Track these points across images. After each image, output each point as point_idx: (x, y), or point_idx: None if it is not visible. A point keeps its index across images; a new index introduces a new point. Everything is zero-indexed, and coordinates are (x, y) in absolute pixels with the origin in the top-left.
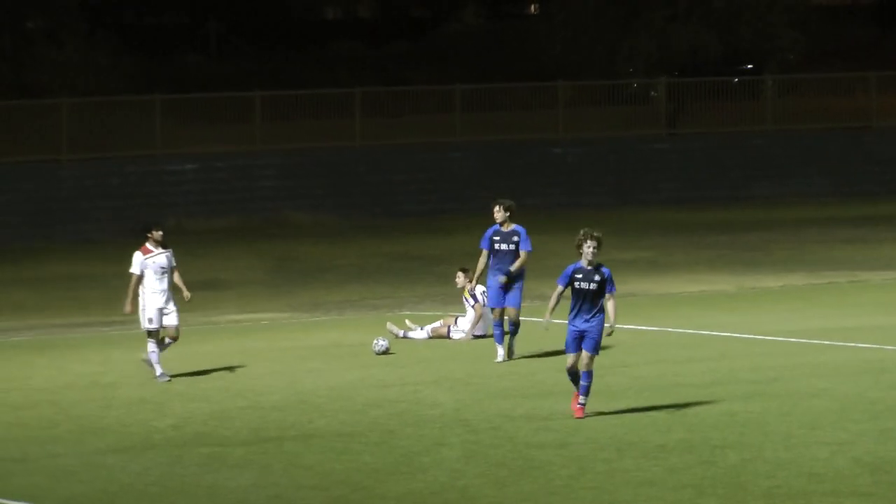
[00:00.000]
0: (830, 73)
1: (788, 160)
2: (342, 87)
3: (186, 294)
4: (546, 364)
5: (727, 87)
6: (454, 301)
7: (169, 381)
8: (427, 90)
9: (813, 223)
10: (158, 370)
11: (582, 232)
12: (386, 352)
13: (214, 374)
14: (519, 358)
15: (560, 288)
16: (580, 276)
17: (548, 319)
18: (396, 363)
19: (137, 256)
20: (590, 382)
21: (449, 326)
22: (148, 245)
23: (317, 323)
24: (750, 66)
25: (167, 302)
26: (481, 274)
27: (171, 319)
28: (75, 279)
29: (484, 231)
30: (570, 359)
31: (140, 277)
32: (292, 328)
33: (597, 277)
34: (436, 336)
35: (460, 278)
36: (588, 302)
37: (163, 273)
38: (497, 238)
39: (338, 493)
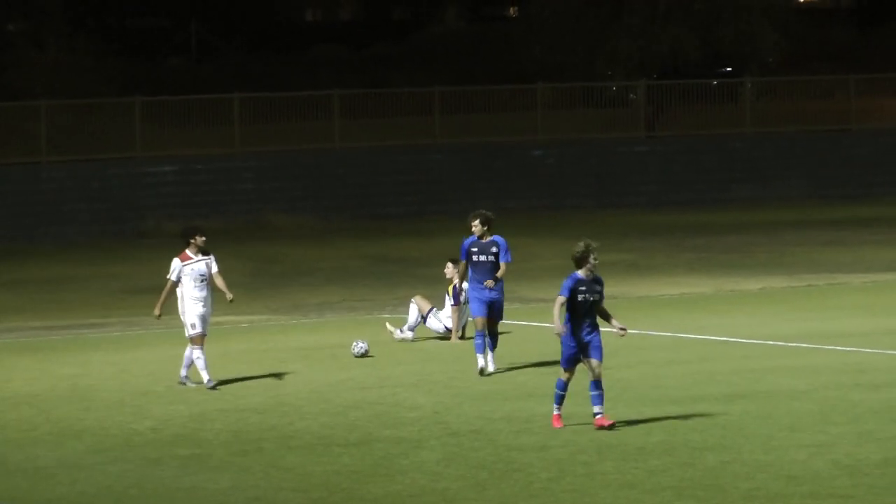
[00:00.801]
0: (809, 76)
1: (768, 162)
2: (324, 89)
3: (229, 296)
4: (526, 367)
5: (706, 90)
6: (439, 304)
7: (216, 388)
8: (406, 92)
9: (792, 226)
10: (206, 376)
11: (584, 245)
12: (365, 354)
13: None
14: (504, 370)
15: (563, 299)
16: (584, 287)
17: (562, 327)
18: (376, 365)
19: (175, 263)
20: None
21: (430, 310)
22: (188, 252)
23: (296, 325)
24: (729, 69)
25: (206, 309)
26: (463, 279)
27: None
28: (55, 281)
29: (462, 239)
30: (567, 374)
31: (175, 284)
32: (272, 330)
33: (598, 288)
34: (418, 312)
35: (449, 269)
36: (590, 314)
37: (202, 280)
38: (475, 249)
39: (317, 495)
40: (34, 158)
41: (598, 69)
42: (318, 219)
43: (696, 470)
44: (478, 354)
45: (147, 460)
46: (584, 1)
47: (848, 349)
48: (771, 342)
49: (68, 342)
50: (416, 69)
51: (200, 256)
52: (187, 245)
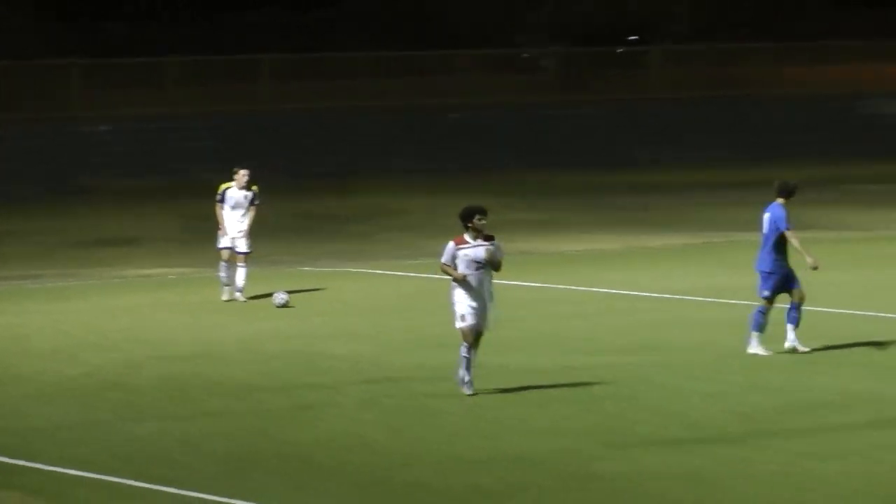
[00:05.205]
0: (714, 44)
1: (674, 126)
2: (259, 52)
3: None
4: (438, 318)
5: (616, 57)
6: (356, 258)
7: (473, 394)
8: (332, 57)
9: (696, 186)
10: (466, 377)
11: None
12: (286, 304)
13: (126, 324)
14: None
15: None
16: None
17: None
18: (298, 316)
19: (449, 247)
20: None
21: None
22: (466, 236)
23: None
24: (636, 38)
25: (480, 301)
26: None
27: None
28: None
29: None
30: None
31: (449, 267)
32: (200, 283)
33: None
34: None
35: (242, 175)
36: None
37: (477, 268)
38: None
39: (241, 438)
40: None
41: (514, 38)
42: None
43: (597, 416)
44: (754, 333)
45: (81, 405)
46: None
47: (741, 303)
48: (671, 296)
49: (6, 293)
50: (345, 36)
51: (479, 242)
52: (465, 229)
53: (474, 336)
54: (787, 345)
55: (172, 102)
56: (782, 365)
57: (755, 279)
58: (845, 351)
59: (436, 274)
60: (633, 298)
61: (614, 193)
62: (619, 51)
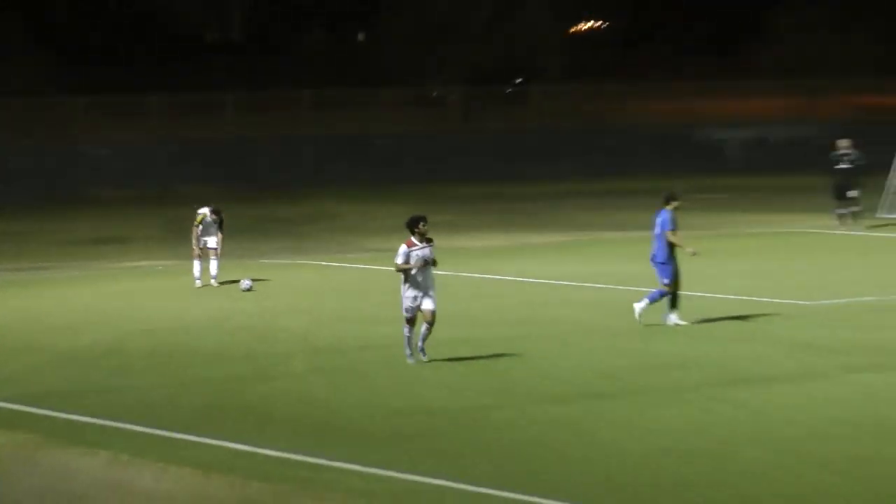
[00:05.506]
0: (581, 84)
1: (550, 150)
2: (220, 91)
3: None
4: (369, 299)
5: (505, 96)
6: (303, 253)
7: (414, 363)
8: (283, 94)
9: (567, 196)
10: (408, 351)
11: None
12: (250, 289)
13: (121, 305)
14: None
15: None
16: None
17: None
18: (258, 298)
19: (402, 248)
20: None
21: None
22: (413, 239)
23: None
24: (521, 79)
25: (424, 291)
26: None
27: (427, 304)
28: (16, 234)
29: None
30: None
31: (405, 267)
32: (180, 272)
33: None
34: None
35: (214, 218)
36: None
37: (423, 265)
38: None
39: (213, 394)
40: (4, 143)
41: (425, 78)
42: (216, 189)
43: (492, 376)
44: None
45: (86, 368)
46: (417, 26)
47: (604, 286)
48: (549, 281)
49: (25, 281)
50: (292, 77)
51: (424, 244)
52: (412, 233)
53: (415, 318)
54: (669, 323)
55: (155, 131)
56: (639, 335)
57: (617, 267)
58: (690, 325)
59: (366, 265)
60: (519, 284)
61: (503, 201)
62: (507, 91)
